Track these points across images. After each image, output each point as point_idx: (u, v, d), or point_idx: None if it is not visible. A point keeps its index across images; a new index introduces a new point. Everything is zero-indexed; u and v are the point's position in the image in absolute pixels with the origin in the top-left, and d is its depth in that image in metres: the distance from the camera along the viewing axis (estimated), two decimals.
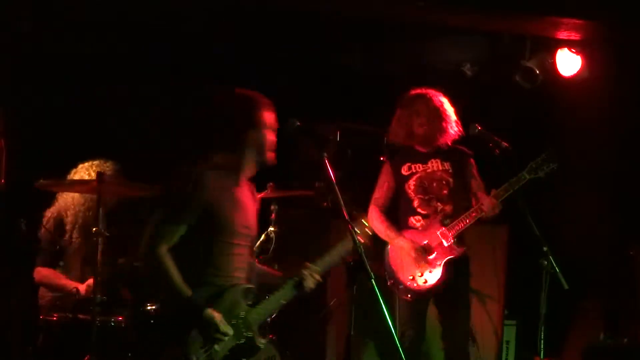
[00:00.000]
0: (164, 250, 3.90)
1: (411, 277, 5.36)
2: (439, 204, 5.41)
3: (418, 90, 5.55)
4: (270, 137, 4.20)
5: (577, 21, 6.01)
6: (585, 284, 6.29)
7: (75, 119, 6.16)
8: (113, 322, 5.13)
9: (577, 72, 6.54)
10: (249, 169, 4.19)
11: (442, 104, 5.47)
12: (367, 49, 6.78)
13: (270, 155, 4.21)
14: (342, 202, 3.96)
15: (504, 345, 6.80)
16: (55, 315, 5.16)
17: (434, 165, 5.48)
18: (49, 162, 5.65)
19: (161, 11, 6.01)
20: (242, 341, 4.00)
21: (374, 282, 3.84)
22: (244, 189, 4.18)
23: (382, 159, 6.06)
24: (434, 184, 5.43)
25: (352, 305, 4.33)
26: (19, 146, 5.63)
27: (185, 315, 3.89)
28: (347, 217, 3.93)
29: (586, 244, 6.80)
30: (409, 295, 5.34)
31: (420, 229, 5.41)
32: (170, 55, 6.40)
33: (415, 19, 6.21)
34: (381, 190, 5.58)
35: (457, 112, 5.60)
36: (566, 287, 4.82)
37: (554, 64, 6.58)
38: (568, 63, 6.54)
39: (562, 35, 6.38)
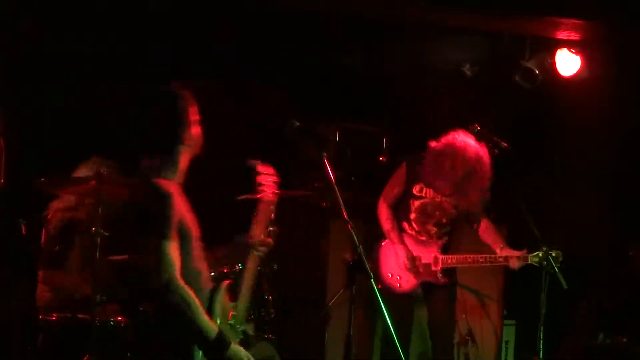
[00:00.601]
0: (179, 278, 3.72)
1: (389, 275, 5.57)
2: (435, 228, 5.62)
3: (471, 150, 5.32)
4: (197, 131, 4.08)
5: (577, 21, 6.01)
6: (584, 284, 6.29)
7: (75, 119, 6.16)
8: (112, 321, 5.14)
9: (577, 72, 6.53)
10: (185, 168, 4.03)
11: (488, 176, 5.36)
12: (367, 49, 6.78)
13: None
14: (341, 202, 3.96)
15: (504, 345, 6.80)
16: (54, 315, 5.16)
17: (444, 198, 5.57)
18: (49, 162, 5.65)
19: (161, 11, 6.01)
20: (241, 337, 4.05)
21: (373, 282, 3.85)
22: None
23: (381, 159, 6.08)
24: (437, 212, 5.59)
25: (352, 305, 4.34)
26: (18, 146, 5.64)
27: (210, 349, 3.79)
28: (346, 217, 3.93)
29: (585, 244, 6.80)
30: (379, 286, 5.44)
31: (422, 239, 5.61)
32: (170, 55, 6.39)
33: (415, 19, 6.21)
34: (393, 191, 5.71)
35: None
36: (565, 287, 4.82)
37: (553, 64, 6.58)
38: (567, 63, 6.54)
39: (562, 35, 6.38)
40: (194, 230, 3.93)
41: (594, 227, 6.88)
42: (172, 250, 3.75)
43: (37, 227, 5.44)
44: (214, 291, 3.99)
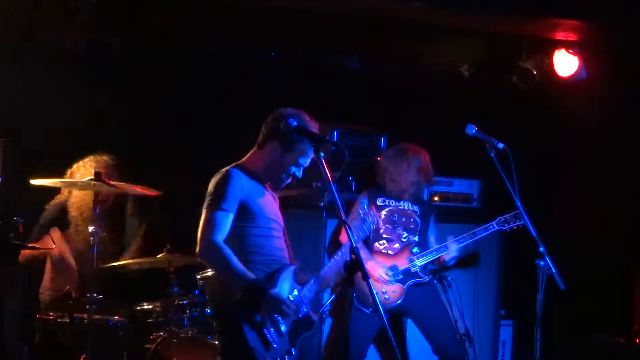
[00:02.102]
0: (221, 239, 4.14)
1: (375, 293, 5.50)
2: (404, 232, 5.85)
3: (410, 147, 5.91)
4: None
5: (575, 22, 6.01)
6: (582, 284, 6.29)
7: (73, 117, 6.15)
8: (109, 321, 5.14)
9: (574, 72, 6.54)
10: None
11: (429, 164, 5.89)
12: (364, 49, 6.78)
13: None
14: (338, 202, 3.96)
15: (501, 346, 6.80)
16: (51, 314, 5.17)
17: (405, 205, 5.92)
18: (46, 161, 5.64)
19: (160, 10, 6.01)
20: (300, 316, 4.31)
21: (370, 282, 3.86)
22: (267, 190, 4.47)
23: (378, 159, 6.08)
24: (403, 219, 5.87)
25: (348, 305, 4.35)
26: (16, 144, 5.64)
27: (250, 297, 4.08)
28: (343, 217, 3.93)
29: (583, 245, 6.81)
30: (370, 309, 5.65)
31: (390, 252, 5.83)
32: (168, 54, 6.39)
33: (412, 20, 6.21)
34: (356, 215, 5.75)
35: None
36: (563, 287, 4.82)
37: (551, 65, 6.58)
38: (565, 64, 6.54)
39: (560, 36, 6.38)
40: (272, 216, 4.38)
41: (592, 227, 6.88)
42: (221, 217, 4.17)
43: (34, 225, 5.45)
44: (283, 267, 4.30)
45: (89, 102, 6.21)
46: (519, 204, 4.93)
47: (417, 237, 5.87)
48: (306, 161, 4.43)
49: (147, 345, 5.17)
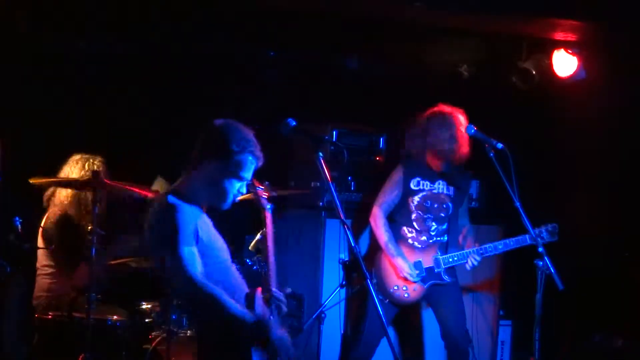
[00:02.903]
0: (202, 276, 3.89)
1: (396, 287, 5.66)
2: (434, 223, 5.70)
3: (449, 109, 5.69)
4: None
5: (574, 22, 6.01)
6: (580, 284, 6.29)
7: (71, 117, 6.15)
8: (108, 320, 5.14)
9: (574, 73, 6.54)
10: None
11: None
12: (364, 49, 6.78)
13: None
14: (337, 201, 3.96)
15: (500, 346, 6.80)
16: (50, 314, 5.16)
17: (440, 186, 5.73)
18: (44, 160, 5.64)
19: (158, 9, 6.01)
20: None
21: (369, 282, 3.86)
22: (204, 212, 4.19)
23: (377, 159, 6.08)
24: (436, 205, 5.70)
25: (347, 305, 4.35)
26: (14, 143, 5.64)
27: (252, 334, 3.94)
28: (342, 217, 3.93)
29: (583, 245, 6.80)
30: (387, 300, 5.66)
31: (417, 245, 5.71)
32: (165, 53, 6.39)
33: (412, 20, 6.21)
34: (390, 196, 5.75)
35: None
36: (561, 287, 4.82)
37: (550, 65, 6.58)
38: (564, 64, 6.54)
39: (559, 36, 6.39)
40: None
41: (592, 227, 6.88)
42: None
43: (32, 225, 5.44)
44: (252, 294, 4.07)
45: (89, 102, 6.21)
46: (517, 204, 4.94)
47: (445, 224, 5.73)
48: (249, 175, 4.13)
49: (146, 345, 5.16)
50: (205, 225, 4.12)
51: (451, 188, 5.76)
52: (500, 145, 4.99)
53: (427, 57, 6.75)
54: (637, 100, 6.53)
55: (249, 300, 4.02)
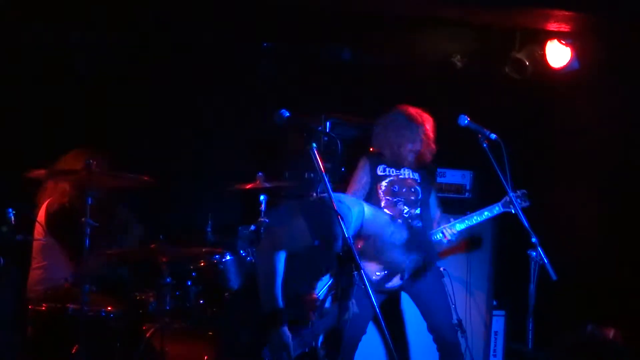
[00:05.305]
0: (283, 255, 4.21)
1: (378, 273, 5.57)
2: (405, 207, 5.67)
3: (415, 109, 5.69)
4: None
5: (567, 13, 6.02)
6: (573, 275, 6.31)
7: (66, 110, 6.14)
8: (102, 311, 5.14)
9: (567, 63, 6.54)
10: None
11: (433, 129, 5.67)
12: (357, 40, 6.77)
13: None
14: (331, 192, 3.97)
15: (493, 336, 6.82)
16: (44, 305, 5.16)
17: (406, 172, 5.72)
18: (38, 152, 5.63)
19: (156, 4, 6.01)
20: (306, 349, 4.39)
21: (363, 272, 3.87)
22: None
23: (371, 150, 6.08)
24: (404, 189, 5.68)
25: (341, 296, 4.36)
26: (8, 136, 5.63)
27: (266, 319, 4.15)
28: (335, 209, 3.94)
29: (576, 235, 6.82)
30: (371, 288, 5.51)
31: None
32: (161, 46, 6.38)
33: (405, 10, 6.20)
34: (360, 183, 5.73)
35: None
36: (555, 278, 4.84)
37: (543, 56, 6.58)
38: (558, 54, 6.55)
39: (552, 27, 6.39)
40: None
41: (585, 218, 6.90)
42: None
43: (26, 217, 5.43)
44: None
45: (87, 96, 6.21)
46: (511, 194, 4.95)
47: (418, 209, 5.73)
48: None
49: (140, 336, 5.16)
50: None
51: (416, 174, 5.74)
52: (493, 136, 5.00)
53: (420, 47, 6.75)
54: (629, 91, 6.54)
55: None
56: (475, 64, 6.91)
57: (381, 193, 5.68)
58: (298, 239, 4.23)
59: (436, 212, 5.84)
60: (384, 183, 5.70)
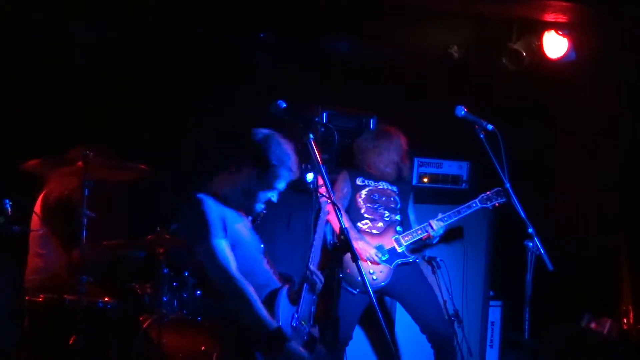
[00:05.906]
0: (237, 270, 4.16)
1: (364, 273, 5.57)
2: (386, 211, 5.86)
3: (395, 131, 5.98)
4: None
5: (564, 4, 6.01)
6: (570, 265, 6.32)
7: (63, 101, 6.13)
8: (99, 302, 5.14)
9: (564, 54, 6.54)
10: None
11: (405, 146, 5.96)
12: (354, 32, 6.76)
13: None
14: (328, 184, 3.97)
15: (490, 326, 6.84)
16: (41, 296, 5.16)
17: (384, 184, 5.95)
18: (35, 143, 5.62)
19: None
20: (305, 339, 4.34)
21: (360, 263, 3.88)
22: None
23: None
24: (383, 198, 5.89)
25: (337, 287, 4.36)
26: (5, 128, 5.62)
27: (268, 340, 4.08)
28: (332, 198, 3.94)
29: (572, 225, 6.83)
30: (357, 290, 5.66)
31: (375, 231, 5.81)
32: (155, 37, 6.37)
33: (402, 2, 6.19)
34: (340, 194, 5.88)
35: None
36: (551, 268, 4.85)
37: (540, 47, 6.58)
38: (555, 45, 6.55)
39: (549, 17, 6.38)
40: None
41: (581, 207, 6.91)
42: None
43: (23, 209, 5.42)
44: (276, 294, 4.25)
45: (87, 91, 6.20)
46: (508, 185, 4.95)
47: (399, 216, 5.88)
48: (282, 186, 4.37)
49: (137, 327, 5.17)
50: (234, 219, 4.30)
51: (394, 186, 5.95)
52: (490, 127, 5.00)
53: (417, 38, 6.74)
54: (626, 82, 6.54)
55: (271, 298, 4.23)
56: (472, 55, 6.90)
57: (361, 201, 5.86)
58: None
59: (412, 217, 6.02)
60: (363, 192, 5.89)
